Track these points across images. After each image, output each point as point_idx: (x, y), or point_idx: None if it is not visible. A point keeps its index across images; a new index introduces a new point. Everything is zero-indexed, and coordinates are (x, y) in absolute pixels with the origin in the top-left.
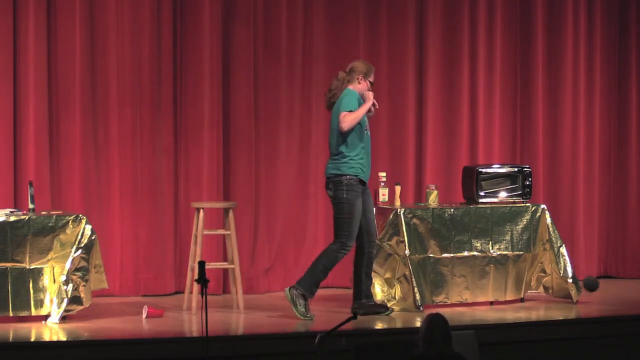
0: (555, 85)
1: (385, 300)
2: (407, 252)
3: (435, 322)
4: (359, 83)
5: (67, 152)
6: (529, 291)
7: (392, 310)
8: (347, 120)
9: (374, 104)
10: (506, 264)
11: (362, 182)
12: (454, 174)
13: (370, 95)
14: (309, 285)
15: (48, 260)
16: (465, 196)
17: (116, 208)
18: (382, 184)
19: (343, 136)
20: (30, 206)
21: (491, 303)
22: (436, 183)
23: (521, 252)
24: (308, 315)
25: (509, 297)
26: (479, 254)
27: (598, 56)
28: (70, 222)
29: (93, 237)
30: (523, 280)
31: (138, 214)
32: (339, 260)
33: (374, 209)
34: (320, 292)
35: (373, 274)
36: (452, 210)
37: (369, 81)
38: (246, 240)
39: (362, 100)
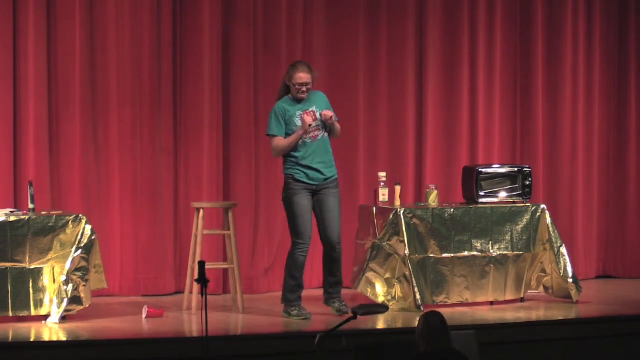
0: (555, 86)
1: (386, 301)
2: (407, 252)
3: (433, 320)
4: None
5: (67, 152)
6: (529, 291)
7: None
8: (277, 150)
9: (314, 118)
10: (506, 264)
11: (303, 182)
12: (454, 174)
13: (306, 119)
14: (284, 295)
15: (48, 260)
16: (465, 196)
17: (116, 208)
18: (382, 184)
19: None
20: (30, 206)
21: (491, 303)
22: (436, 183)
23: (521, 252)
24: (303, 315)
25: (509, 297)
26: (479, 254)
27: (597, 56)
28: (70, 222)
29: (93, 237)
30: (523, 280)
31: (138, 214)
32: (300, 261)
33: (336, 209)
34: (320, 292)
35: (373, 274)
36: (452, 210)
37: (293, 84)
38: (246, 240)
39: (285, 115)
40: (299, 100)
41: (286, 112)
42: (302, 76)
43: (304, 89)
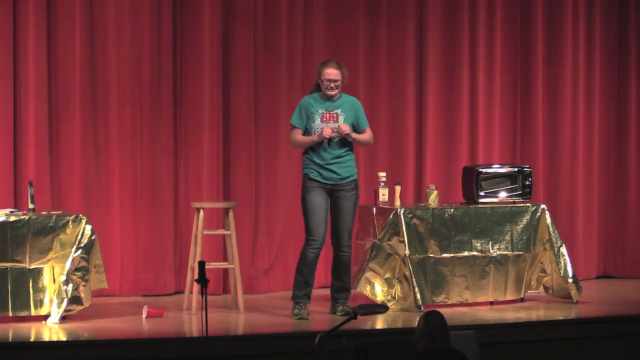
0: (555, 86)
1: (385, 300)
2: (407, 252)
3: (433, 319)
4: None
5: (67, 152)
6: (529, 291)
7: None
8: (292, 143)
9: (337, 130)
10: (506, 264)
11: (318, 181)
12: (454, 174)
13: (324, 132)
14: (293, 291)
15: (48, 260)
16: (465, 196)
17: (116, 208)
18: (382, 184)
19: None
20: (30, 206)
21: (491, 303)
22: (436, 183)
23: (521, 252)
24: (299, 315)
25: (509, 297)
26: (479, 254)
27: (597, 56)
28: (70, 222)
29: (93, 237)
30: (523, 280)
31: (138, 214)
32: (309, 258)
33: (350, 213)
34: (319, 292)
35: (372, 273)
36: (452, 210)
37: (322, 80)
38: (246, 240)
39: (308, 110)
40: (328, 98)
41: (310, 107)
42: (330, 72)
43: (333, 85)
